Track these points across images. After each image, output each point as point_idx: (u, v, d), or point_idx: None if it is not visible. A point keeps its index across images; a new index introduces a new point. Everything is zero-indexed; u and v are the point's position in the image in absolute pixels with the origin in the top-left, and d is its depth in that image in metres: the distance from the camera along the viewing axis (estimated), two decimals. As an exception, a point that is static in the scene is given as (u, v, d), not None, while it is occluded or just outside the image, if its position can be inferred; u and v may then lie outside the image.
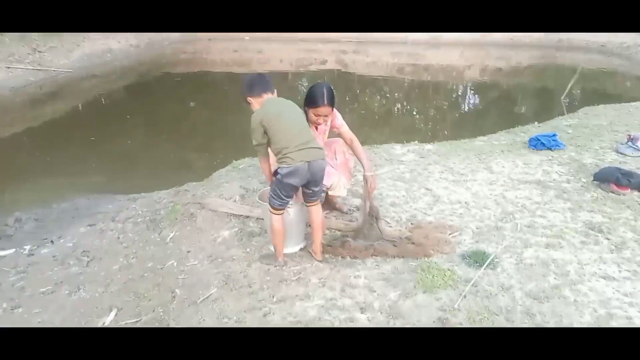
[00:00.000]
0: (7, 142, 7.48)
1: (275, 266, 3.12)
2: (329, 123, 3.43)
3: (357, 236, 3.40)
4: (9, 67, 10.15)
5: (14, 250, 4.04)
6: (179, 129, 8.35)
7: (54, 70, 10.92)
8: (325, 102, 3.16)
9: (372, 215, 3.34)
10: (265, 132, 2.88)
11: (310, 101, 3.21)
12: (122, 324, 2.88)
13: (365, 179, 3.31)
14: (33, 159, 6.79)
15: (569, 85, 9.69)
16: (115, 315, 2.97)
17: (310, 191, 3.00)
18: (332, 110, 3.27)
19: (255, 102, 2.98)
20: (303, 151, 2.83)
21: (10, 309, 3.18)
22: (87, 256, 3.75)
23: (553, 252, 3.23)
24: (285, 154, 2.82)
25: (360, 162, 3.42)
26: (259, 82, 3.00)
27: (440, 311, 2.64)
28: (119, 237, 3.96)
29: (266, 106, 2.93)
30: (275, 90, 3.05)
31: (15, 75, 10.12)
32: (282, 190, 2.89)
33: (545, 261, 3.11)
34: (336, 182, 3.55)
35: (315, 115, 3.22)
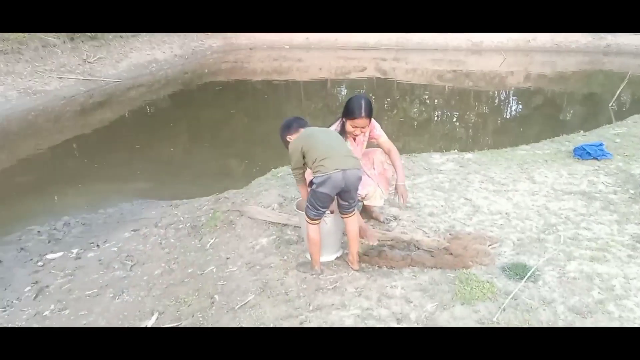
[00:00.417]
0: (58, 149, 7.83)
1: (312, 274, 3.15)
2: (367, 134, 3.45)
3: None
4: (60, 77, 10.62)
5: (62, 253, 4.23)
6: (220, 137, 8.54)
7: (103, 80, 11.36)
8: (363, 114, 3.18)
9: None
10: (303, 156, 2.98)
11: (348, 112, 3.24)
12: (163, 327, 2.96)
13: (396, 188, 3.33)
14: (82, 165, 7.07)
15: (618, 92, 9.35)
16: (157, 319, 3.06)
17: (346, 203, 3.02)
18: (370, 122, 3.29)
19: (294, 137, 3.13)
20: (337, 159, 2.87)
21: (58, 311, 3.33)
22: (131, 260, 3.88)
23: (598, 265, 3.12)
24: (319, 164, 2.87)
25: (395, 170, 3.44)
26: (296, 121, 3.21)
27: (478, 324, 2.59)
28: (161, 243, 4.09)
29: (302, 133, 3.09)
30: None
31: (67, 85, 10.57)
32: (317, 201, 2.92)
33: (589, 275, 3.02)
34: (372, 192, 3.56)
35: (353, 127, 3.25)
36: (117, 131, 8.96)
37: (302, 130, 3.13)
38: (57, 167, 7.05)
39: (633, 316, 2.64)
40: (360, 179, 2.99)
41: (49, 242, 4.52)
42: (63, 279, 3.78)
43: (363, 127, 3.27)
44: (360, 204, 3.72)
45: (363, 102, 3.19)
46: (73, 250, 4.25)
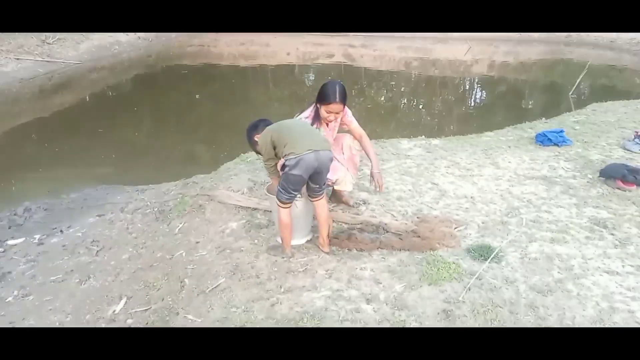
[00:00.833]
0: (16, 133, 7.56)
1: (283, 258, 3.17)
2: (338, 120, 3.47)
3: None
4: (18, 59, 10.23)
5: (23, 239, 4.11)
6: (186, 121, 8.40)
7: (63, 62, 10.99)
8: (338, 99, 3.20)
9: None
10: (274, 147, 2.98)
11: (322, 97, 3.25)
12: (132, 312, 2.93)
13: (372, 175, 3.35)
14: (42, 149, 6.86)
15: (577, 81, 9.64)
16: (125, 303, 3.03)
17: (317, 186, 3.04)
18: (344, 107, 3.31)
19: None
20: (308, 141, 2.89)
21: (22, 296, 3.25)
22: (97, 246, 3.81)
23: (558, 246, 3.25)
24: (290, 147, 2.88)
25: (369, 158, 3.47)
26: (262, 122, 3.20)
27: (445, 303, 2.67)
28: (127, 228, 4.02)
29: (270, 126, 3.09)
30: None
31: (25, 66, 10.19)
32: (289, 184, 2.93)
33: (549, 255, 3.14)
34: (342, 177, 3.59)
35: (327, 112, 3.26)
36: (78, 115, 8.71)
37: None
38: (15, 151, 6.81)
39: (590, 294, 2.77)
40: (332, 159, 3.01)
41: (9, 227, 4.38)
42: (25, 264, 3.68)
43: (337, 113, 3.29)
44: (330, 188, 3.75)
45: (337, 87, 3.21)
46: (35, 236, 4.14)
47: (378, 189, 3.54)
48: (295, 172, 2.87)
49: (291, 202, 3.04)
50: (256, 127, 3.22)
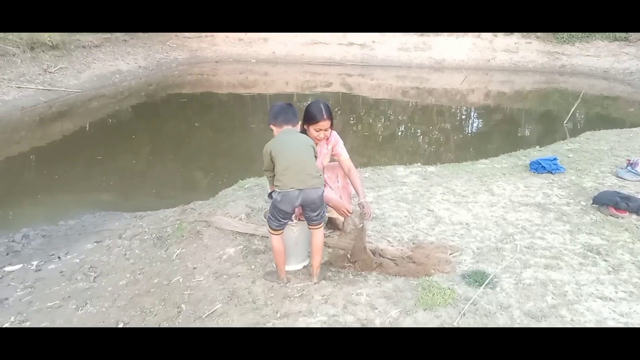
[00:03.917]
0: (16, 160, 7.62)
1: (279, 283, 3.19)
2: (330, 147, 3.53)
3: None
4: (20, 87, 10.35)
5: (21, 265, 4.13)
6: (185, 149, 8.48)
7: (64, 91, 11.12)
8: (325, 116, 3.28)
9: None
10: (272, 160, 3.02)
11: (310, 118, 3.32)
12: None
13: (361, 205, 3.40)
14: (41, 176, 6.91)
15: (572, 110, 9.80)
16: (122, 329, 3.03)
17: (314, 214, 3.09)
18: (331, 122, 3.37)
19: (276, 131, 3.15)
20: (295, 176, 2.93)
21: (18, 323, 3.26)
22: (94, 272, 3.83)
23: (551, 272, 3.28)
24: (279, 178, 2.95)
25: (355, 190, 3.50)
26: (283, 114, 3.17)
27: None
28: (125, 254, 4.04)
29: (278, 137, 3.09)
30: (299, 122, 3.21)
31: (26, 95, 10.31)
32: (277, 214, 3.00)
33: (543, 281, 3.17)
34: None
35: (316, 130, 3.33)
36: (78, 142, 8.79)
37: (284, 127, 3.12)
38: (14, 178, 6.86)
39: (584, 319, 2.79)
40: (321, 197, 3.03)
41: (7, 254, 4.40)
42: (23, 291, 3.69)
43: (326, 130, 3.36)
44: (327, 215, 3.79)
45: (322, 105, 3.31)
46: (33, 262, 4.15)
47: (368, 217, 3.54)
48: (280, 206, 2.95)
49: (282, 229, 3.09)
50: (275, 117, 3.16)
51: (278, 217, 3.01)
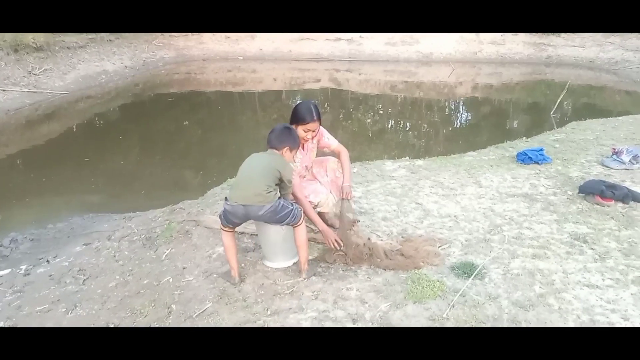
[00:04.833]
0: (3, 164, 7.54)
1: (231, 282, 3.20)
2: (315, 142, 3.54)
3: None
4: (4, 90, 10.24)
5: (9, 270, 4.09)
6: (173, 149, 8.44)
7: (50, 93, 11.02)
8: (315, 117, 3.30)
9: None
10: None
11: (298, 118, 3.32)
12: (118, 339, 2.93)
13: (342, 188, 3.44)
14: (28, 179, 6.85)
15: (558, 101, 9.87)
16: (112, 331, 3.02)
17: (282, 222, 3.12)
18: (320, 123, 3.39)
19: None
20: (241, 193, 2.99)
21: (8, 327, 3.23)
22: (83, 274, 3.80)
23: (539, 262, 3.32)
24: (230, 191, 3.07)
25: (342, 171, 3.52)
26: (271, 137, 3.18)
27: (429, 320, 2.71)
28: (114, 255, 4.02)
29: (252, 155, 3.20)
30: (278, 146, 3.16)
31: (11, 97, 10.20)
32: (226, 218, 3.07)
33: (531, 271, 3.20)
34: (324, 200, 3.64)
35: (305, 131, 3.34)
36: (65, 144, 8.72)
37: (268, 149, 3.18)
38: (1, 182, 6.79)
39: (571, 307, 2.82)
40: (266, 213, 2.99)
41: (-5, 259, 4.37)
42: (11, 295, 3.66)
43: (314, 131, 3.37)
44: (301, 213, 3.78)
45: (312, 106, 3.32)
46: (21, 267, 4.12)
47: (346, 197, 3.52)
48: (229, 215, 3.04)
49: (232, 229, 3.16)
50: (269, 140, 3.20)
51: (227, 220, 3.08)
